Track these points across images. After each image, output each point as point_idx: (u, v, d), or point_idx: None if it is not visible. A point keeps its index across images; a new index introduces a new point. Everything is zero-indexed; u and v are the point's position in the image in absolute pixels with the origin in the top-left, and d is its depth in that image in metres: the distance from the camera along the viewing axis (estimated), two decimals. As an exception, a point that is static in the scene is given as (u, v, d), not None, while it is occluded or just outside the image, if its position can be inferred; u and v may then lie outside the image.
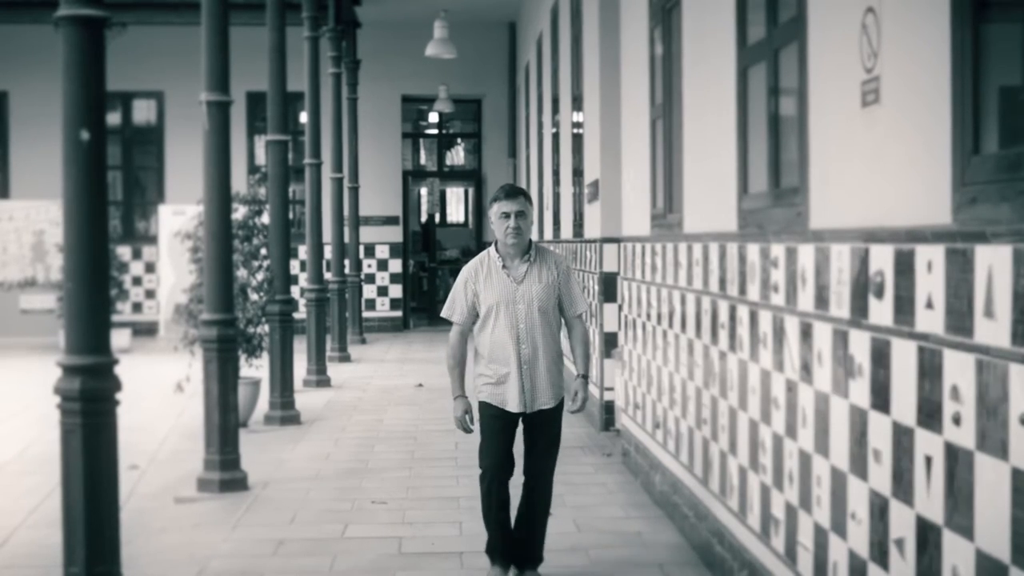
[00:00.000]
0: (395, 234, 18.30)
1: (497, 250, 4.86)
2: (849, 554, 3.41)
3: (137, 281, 17.53)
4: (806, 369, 3.77)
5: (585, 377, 4.87)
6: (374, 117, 17.76)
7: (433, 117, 20.29)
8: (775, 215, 4.19)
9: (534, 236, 18.34)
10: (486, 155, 18.91)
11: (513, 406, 4.78)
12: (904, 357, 2.96)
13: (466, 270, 4.89)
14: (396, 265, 18.27)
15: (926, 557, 2.85)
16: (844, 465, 3.43)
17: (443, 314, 4.96)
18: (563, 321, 4.93)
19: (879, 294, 3.14)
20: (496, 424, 4.80)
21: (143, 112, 18.03)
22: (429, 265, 20.60)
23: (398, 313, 18.29)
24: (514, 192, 4.83)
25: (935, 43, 2.80)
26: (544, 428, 4.85)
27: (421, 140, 21.43)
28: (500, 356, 4.77)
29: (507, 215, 4.75)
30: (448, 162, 21.49)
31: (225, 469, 6.83)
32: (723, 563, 4.88)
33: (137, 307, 17.48)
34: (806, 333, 3.76)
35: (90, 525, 4.08)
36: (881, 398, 3.13)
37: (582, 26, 9.40)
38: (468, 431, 4.85)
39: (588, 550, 5.45)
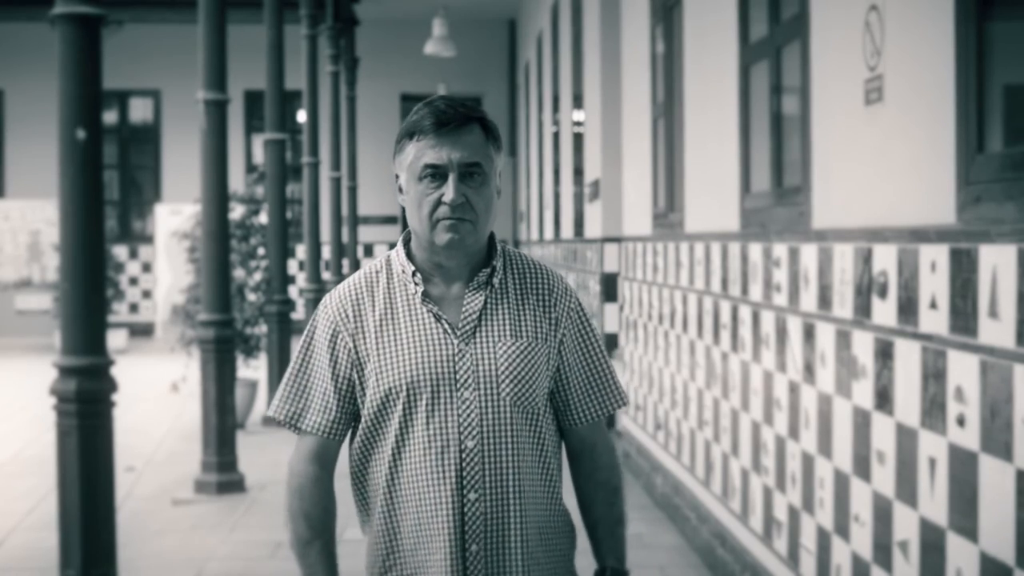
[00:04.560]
0: (394, 233, 18.25)
1: (411, 257, 2.12)
2: (852, 557, 3.39)
3: (134, 281, 17.49)
4: (809, 370, 3.75)
5: (618, 573, 2.36)
6: (373, 115, 17.73)
7: (432, 116, 20.28)
8: (777, 214, 4.17)
9: (528, 236, 17.62)
10: (485, 154, 18.85)
11: None
12: (908, 358, 2.93)
13: (331, 306, 2.14)
14: (395, 264, 18.22)
15: (930, 559, 2.82)
16: (847, 467, 3.41)
17: (272, 412, 2.17)
18: (563, 432, 2.24)
19: (883, 294, 3.11)
20: None
21: (140, 111, 17.99)
22: (428, 265, 20.55)
23: (397, 313, 18.24)
24: (456, 115, 2.01)
25: (939, 41, 2.78)
26: None
27: (420, 139, 21.40)
28: (412, 519, 2.08)
29: (437, 171, 2.01)
30: (447, 161, 21.45)
31: (222, 471, 6.80)
32: (725, 566, 4.85)
33: (134, 307, 17.44)
34: (809, 334, 3.74)
35: (86, 527, 4.05)
36: (885, 399, 3.10)
37: (583, 24, 9.36)
38: None
39: (589, 552, 5.41)
